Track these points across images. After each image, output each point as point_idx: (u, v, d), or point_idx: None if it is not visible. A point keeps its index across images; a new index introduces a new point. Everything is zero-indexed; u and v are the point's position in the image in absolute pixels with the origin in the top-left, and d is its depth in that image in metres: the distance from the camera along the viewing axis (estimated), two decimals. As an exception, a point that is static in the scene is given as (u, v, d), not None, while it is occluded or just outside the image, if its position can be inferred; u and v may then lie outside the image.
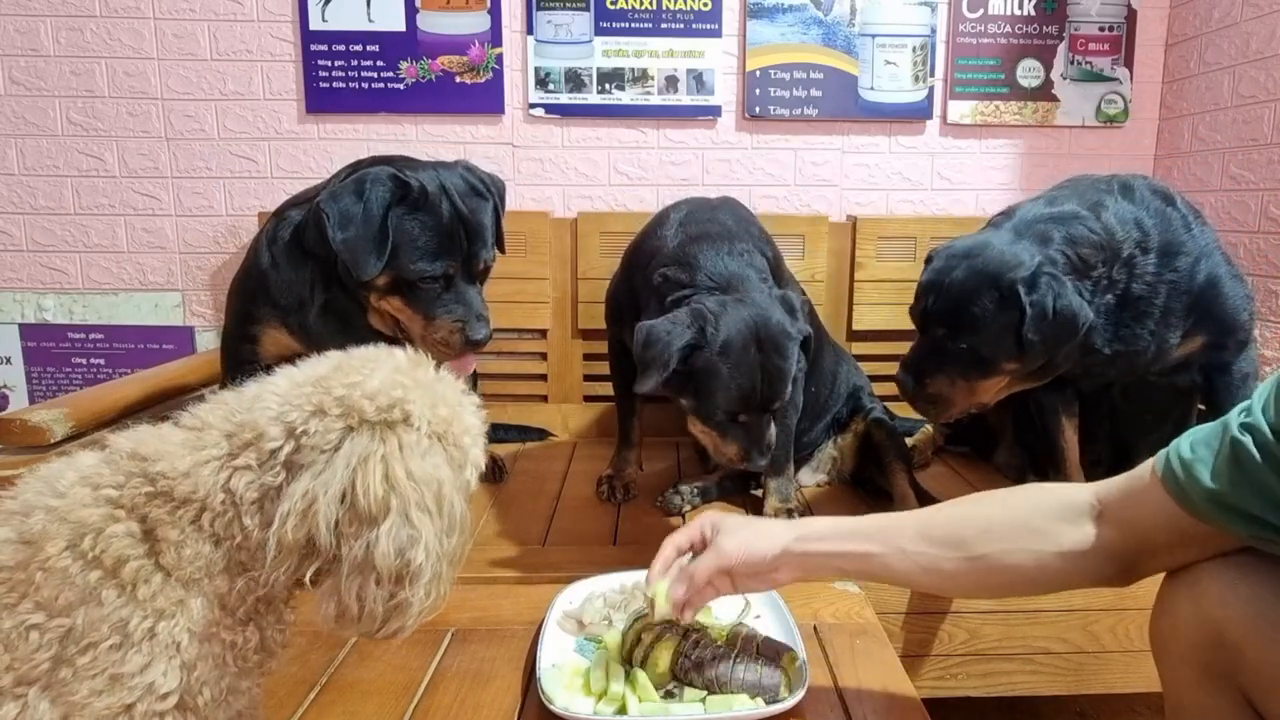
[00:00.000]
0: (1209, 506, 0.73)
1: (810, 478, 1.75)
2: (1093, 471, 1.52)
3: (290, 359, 0.76)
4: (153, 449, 0.67)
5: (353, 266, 1.25)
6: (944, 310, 1.33)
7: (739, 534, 0.92)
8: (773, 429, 1.34)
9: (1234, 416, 0.73)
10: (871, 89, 2.20)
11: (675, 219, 1.49)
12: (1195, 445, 0.75)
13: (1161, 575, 0.96)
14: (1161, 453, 0.78)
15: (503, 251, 1.43)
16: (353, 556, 0.65)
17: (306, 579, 0.66)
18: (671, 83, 2.18)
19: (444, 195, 1.29)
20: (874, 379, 1.92)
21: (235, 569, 0.68)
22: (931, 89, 2.22)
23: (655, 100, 2.18)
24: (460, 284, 1.31)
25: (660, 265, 1.40)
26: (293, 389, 0.68)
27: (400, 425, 0.67)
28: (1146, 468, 0.80)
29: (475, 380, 1.96)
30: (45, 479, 0.67)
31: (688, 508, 1.59)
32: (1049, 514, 0.84)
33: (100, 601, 0.63)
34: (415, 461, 0.67)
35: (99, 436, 1.34)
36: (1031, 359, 1.30)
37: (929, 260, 1.41)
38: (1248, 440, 0.69)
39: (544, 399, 2.18)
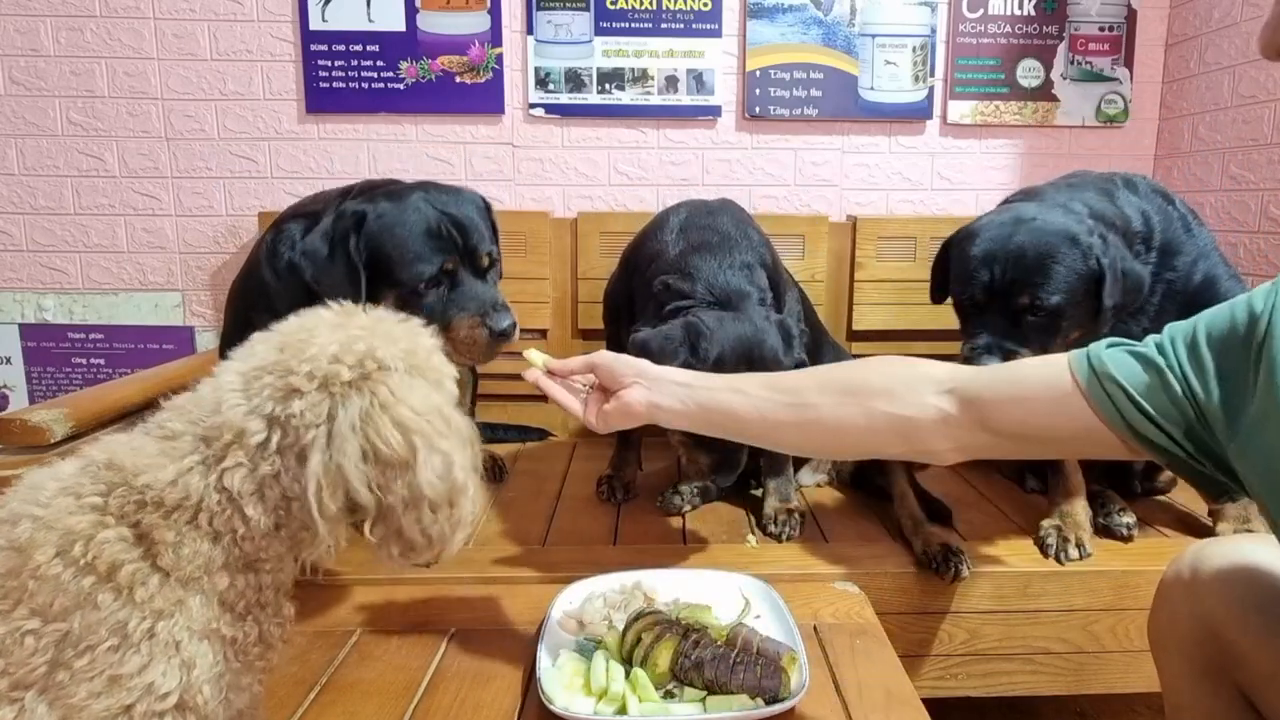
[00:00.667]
0: (1147, 428, 0.73)
1: (810, 478, 1.75)
2: (1090, 468, 1.51)
3: None
4: (132, 462, 0.67)
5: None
6: (1022, 277, 1.25)
7: (640, 394, 0.99)
8: (742, 455, 1.34)
9: (1154, 351, 0.74)
10: (871, 89, 2.20)
11: (675, 223, 1.49)
12: (1119, 366, 0.75)
13: (1158, 575, 0.96)
14: (1080, 366, 0.77)
15: (499, 272, 1.41)
16: (400, 499, 0.68)
17: (367, 533, 0.70)
18: (671, 83, 2.18)
19: (422, 201, 1.27)
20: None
21: (235, 564, 0.69)
22: (931, 89, 2.22)
23: (655, 100, 2.18)
24: (467, 280, 1.27)
25: (660, 272, 1.40)
26: (251, 382, 0.68)
27: (378, 373, 0.69)
28: (1052, 372, 0.79)
29: (475, 380, 1.96)
30: (30, 488, 0.68)
31: (688, 507, 1.59)
32: (899, 377, 0.86)
33: (96, 605, 0.63)
34: (411, 397, 0.70)
35: (99, 437, 1.34)
36: (1099, 325, 1.25)
37: (966, 240, 1.34)
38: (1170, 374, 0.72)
39: (544, 399, 2.16)
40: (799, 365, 1.34)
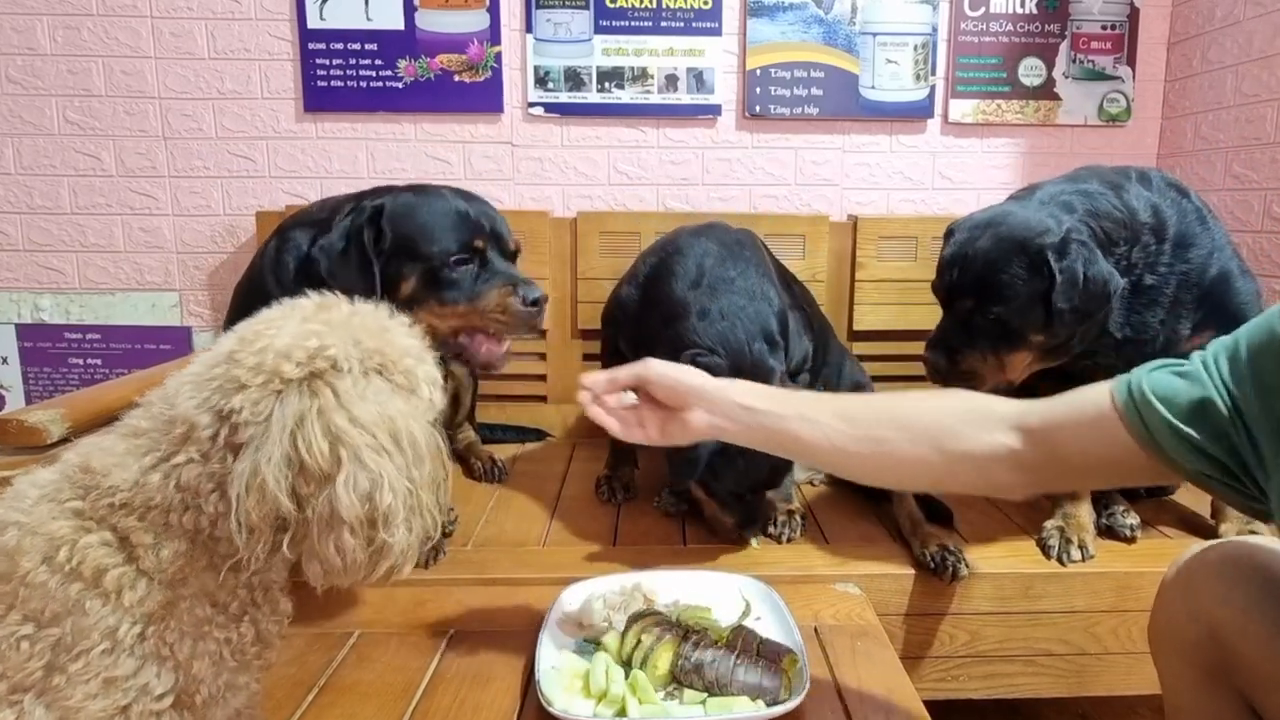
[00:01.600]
0: (1180, 450, 0.72)
1: (809, 476, 1.75)
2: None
3: None
4: (100, 463, 0.66)
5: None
6: (971, 281, 1.30)
7: (670, 364, 0.96)
8: (765, 505, 1.43)
9: (1199, 368, 0.72)
10: (872, 88, 2.20)
11: (696, 269, 1.46)
12: (1159, 387, 0.74)
13: (1160, 576, 0.96)
14: (1120, 389, 0.76)
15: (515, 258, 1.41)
16: (319, 515, 0.63)
17: (284, 548, 0.64)
18: (671, 81, 2.17)
19: (437, 192, 1.30)
20: (874, 379, 1.91)
21: (219, 562, 0.68)
22: (933, 88, 2.21)
23: (655, 99, 2.17)
24: (494, 258, 1.28)
25: (684, 334, 1.39)
26: (205, 372, 0.66)
27: (328, 373, 0.65)
28: (1095, 398, 0.78)
29: (476, 380, 1.96)
30: (14, 495, 0.67)
31: (685, 506, 1.58)
32: (966, 417, 0.84)
33: (85, 612, 0.63)
34: (357, 405, 0.65)
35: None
36: (1059, 329, 1.27)
37: (949, 235, 1.39)
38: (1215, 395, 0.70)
39: (543, 399, 2.17)
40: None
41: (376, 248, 1.24)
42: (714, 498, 1.41)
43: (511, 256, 1.33)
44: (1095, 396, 0.78)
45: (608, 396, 0.98)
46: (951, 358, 1.35)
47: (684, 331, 1.39)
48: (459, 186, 1.37)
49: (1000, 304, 1.29)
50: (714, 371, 1.31)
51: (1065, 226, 1.26)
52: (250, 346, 0.65)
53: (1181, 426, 0.71)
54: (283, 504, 0.62)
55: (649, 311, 1.51)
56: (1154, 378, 0.75)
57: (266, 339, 0.65)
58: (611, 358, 1.68)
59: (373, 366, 0.68)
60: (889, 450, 0.86)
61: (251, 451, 0.62)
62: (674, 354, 1.38)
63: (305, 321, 0.67)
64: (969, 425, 0.83)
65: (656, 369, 0.95)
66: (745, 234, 1.63)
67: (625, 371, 0.97)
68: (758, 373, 1.35)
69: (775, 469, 1.36)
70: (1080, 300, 1.25)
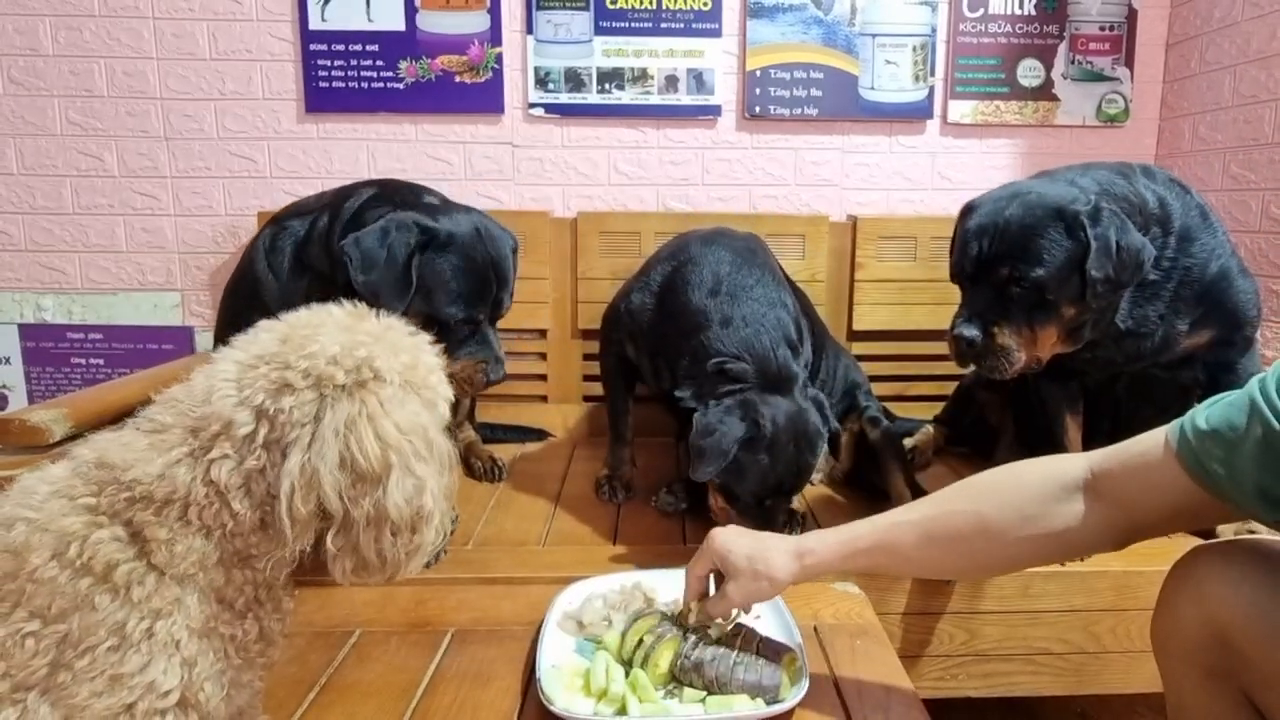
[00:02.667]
0: (1240, 493, 0.73)
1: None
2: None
3: None
4: (120, 457, 0.66)
5: (373, 306, 1.25)
6: (1006, 249, 1.25)
7: (743, 584, 0.96)
8: (783, 513, 1.41)
9: (1258, 398, 0.72)
10: (872, 89, 2.20)
11: (712, 277, 1.47)
12: (1213, 423, 0.74)
13: (1163, 576, 0.96)
14: (1174, 430, 0.77)
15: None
16: (365, 514, 0.67)
17: (329, 542, 0.68)
18: (671, 82, 2.18)
19: (479, 239, 1.33)
20: (874, 379, 1.91)
21: (230, 560, 0.68)
22: (932, 89, 2.21)
23: (655, 100, 2.18)
24: (484, 329, 1.36)
25: (708, 344, 1.40)
26: (245, 372, 0.68)
27: (372, 382, 0.68)
28: (1153, 443, 0.79)
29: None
30: (23, 491, 0.68)
31: (683, 505, 1.59)
32: (1042, 497, 0.85)
33: (94, 607, 0.63)
34: (398, 413, 0.68)
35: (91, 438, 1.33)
36: (1092, 300, 1.25)
37: (968, 211, 1.35)
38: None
39: (543, 399, 2.17)
40: (833, 434, 1.44)
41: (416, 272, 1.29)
42: (732, 502, 1.36)
43: (498, 319, 1.41)
44: (1153, 442, 0.79)
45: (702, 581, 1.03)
46: (986, 331, 1.27)
47: (708, 341, 1.40)
48: (492, 215, 1.42)
49: (1039, 268, 1.23)
50: (741, 377, 1.36)
51: (1093, 195, 1.25)
52: (299, 350, 0.68)
53: (1237, 457, 0.71)
54: (332, 500, 0.66)
55: (667, 322, 1.50)
56: (1205, 410, 0.76)
57: (316, 344, 0.68)
58: (617, 364, 1.68)
59: (408, 379, 0.71)
60: (988, 558, 0.89)
61: (298, 451, 0.65)
62: (698, 363, 1.40)
63: (348, 331, 0.71)
64: (1046, 504, 0.85)
65: (738, 603, 0.98)
66: (753, 239, 1.63)
67: (716, 609, 1.00)
68: (783, 377, 1.37)
69: (801, 472, 1.36)
70: (1114, 269, 1.22)
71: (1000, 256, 1.27)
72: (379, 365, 0.69)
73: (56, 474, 0.68)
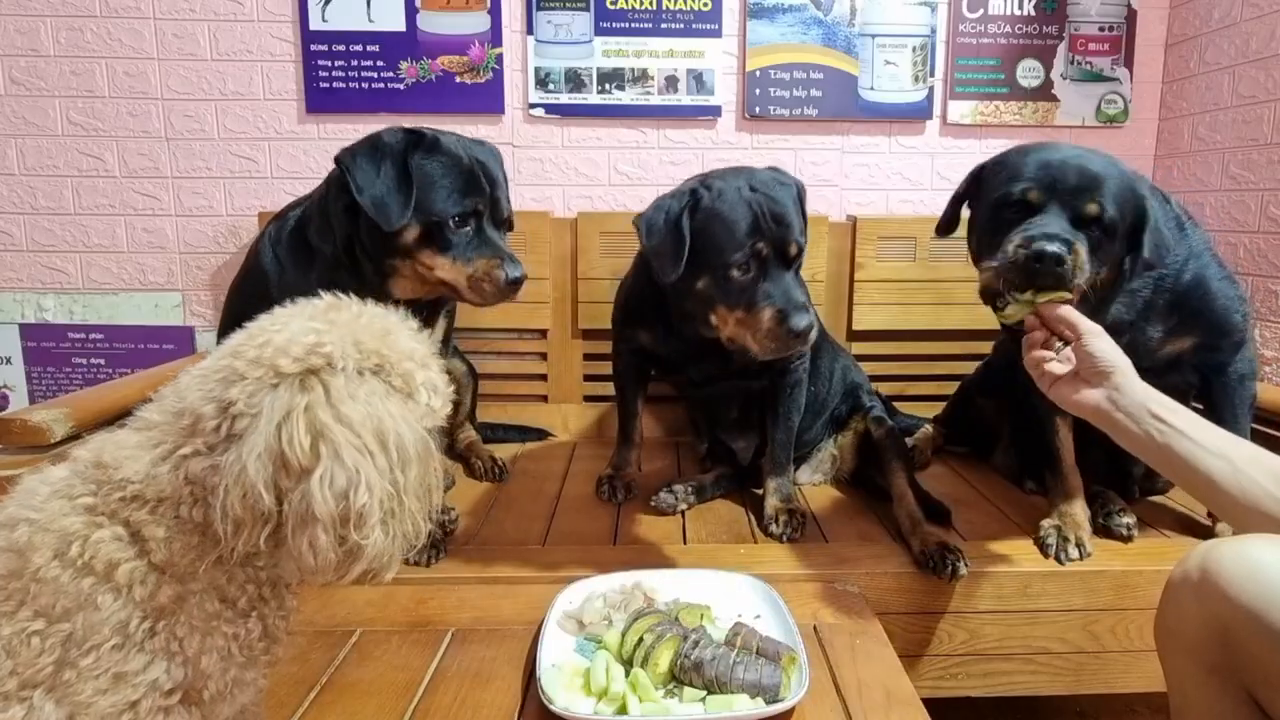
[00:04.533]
0: None
1: (809, 476, 1.75)
2: (1089, 470, 1.52)
3: None
4: (111, 456, 0.67)
5: (381, 220, 1.26)
6: (1091, 185, 1.20)
7: (1104, 404, 0.97)
8: (801, 290, 1.32)
9: None
10: (871, 89, 2.20)
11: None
12: None
13: (1161, 576, 0.96)
14: None
15: (511, 227, 1.44)
16: (295, 510, 0.63)
17: (261, 541, 0.64)
18: (671, 83, 2.18)
19: (460, 144, 1.33)
20: (874, 379, 1.92)
21: (230, 558, 0.68)
22: (931, 89, 2.22)
23: (655, 100, 2.18)
24: (487, 229, 1.33)
25: None
26: (213, 365, 0.67)
27: (323, 370, 0.65)
28: None
29: (475, 381, 1.97)
30: (25, 493, 0.68)
31: (683, 506, 1.59)
32: None
33: (97, 606, 0.63)
34: (346, 404, 0.65)
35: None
36: (1126, 269, 1.25)
37: (986, 168, 1.34)
38: None
39: (544, 399, 2.18)
40: (798, 185, 1.39)
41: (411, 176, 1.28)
42: (737, 301, 1.32)
43: (502, 225, 1.38)
44: None
45: (1041, 336, 1.06)
46: (1071, 247, 1.16)
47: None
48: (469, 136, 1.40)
49: (1117, 214, 1.20)
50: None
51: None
52: (254, 340, 0.67)
53: None
54: (263, 497, 0.62)
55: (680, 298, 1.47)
56: None
57: (270, 334, 0.67)
58: (629, 360, 1.68)
59: (369, 367, 0.68)
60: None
61: (240, 443, 0.63)
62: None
63: (310, 320, 0.69)
64: None
65: (1095, 340, 1.00)
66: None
67: (1083, 322, 1.02)
68: (736, 171, 1.39)
69: (773, 215, 1.30)
70: (1152, 252, 1.22)
71: (1085, 189, 1.20)
72: (329, 351, 0.66)
73: (57, 475, 0.69)
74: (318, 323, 0.68)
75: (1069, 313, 1.06)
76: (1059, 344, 1.08)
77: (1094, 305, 1.28)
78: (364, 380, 0.67)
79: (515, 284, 1.31)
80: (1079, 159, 1.23)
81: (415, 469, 0.68)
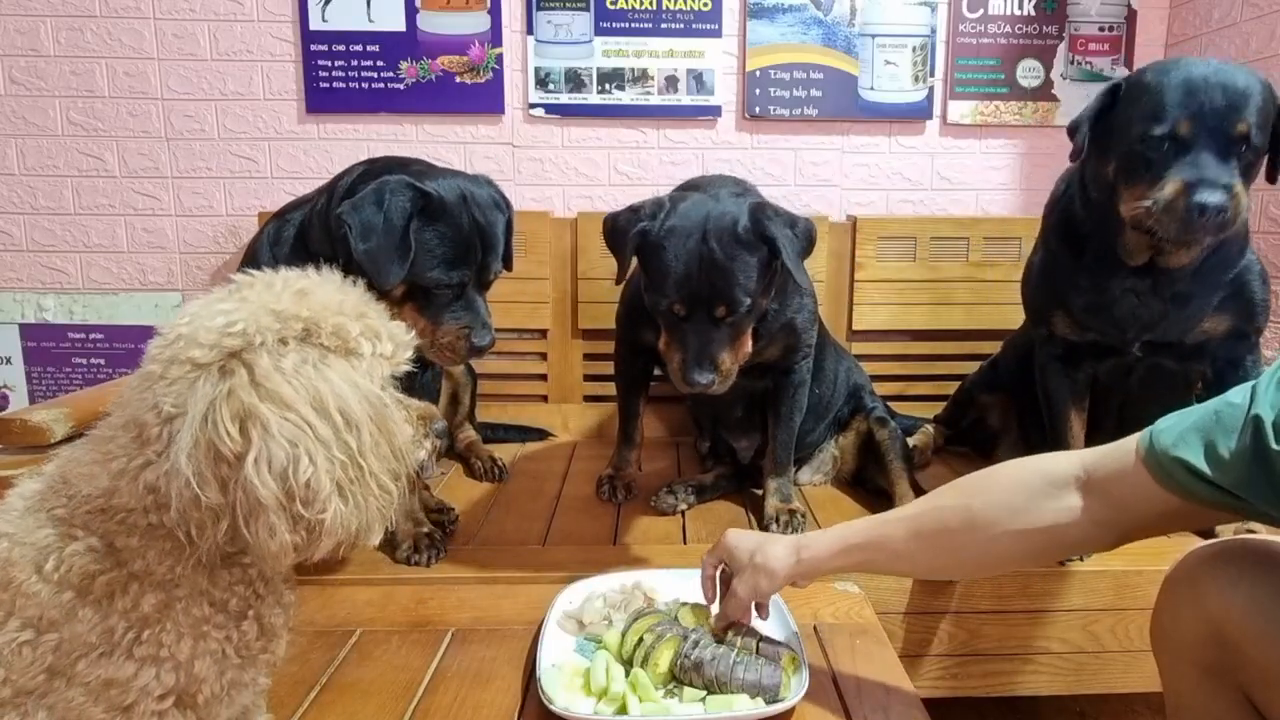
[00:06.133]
0: (1207, 493, 0.74)
1: (810, 477, 1.75)
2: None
3: None
4: (73, 473, 0.66)
5: (374, 276, 1.24)
6: (1240, 104, 1.15)
7: (746, 579, 1.00)
8: (725, 351, 1.29)
9: (1238, 405, 0.72)
10: (871, 89, 2.20)
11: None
12: (1184, 433, 0.75)
13: (1161, 576, 0.96)
14: (1143, 438, 0.78)
15: (509, 269, 1.43)
16: (239, 500, 0.60)
17: (217, 536, 0.62)
18: (671, 83, 2.18)
19: (464, 205, 1.31)
20: (874, 379, 1.92)
21: (212, 560, 0.67)
22: (931, 89, 2.22)
23: (655, 100, 2.18)
24: (470, 293, 1.33)
25: None
26: (141, 371, 0.65)
27: (244, 351, 0.62)
28: (1129, 447, 0.80)
29: (475, 380, 1.97)
30: (4, 507, 0.68)
31: (683, 506, 1.59)
32: (1031, 492, 0.85)
33: (79, 619, 0.63)
34: (271, 380, 0.61)
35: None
36: (1261, 178, 1.22)
37: (1162, 71, 1.21)
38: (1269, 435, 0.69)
39: (544, 399, 2.18)
40: (767, 238, 1.29)
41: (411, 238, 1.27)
42: (664, 325, 1.33)
43: (487, 285, 1.38)
44: (1129, 447, 0.80)
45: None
46: (1231, 193, 1.13)
47: None
48: (479, 177, 1.39)
49: (1264, 130, 1.16)
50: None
51: None
52: (165, 339, 0.64)
53: (1210, 473, 0.72)
54: (206, 493, 0.59)
55: None
56: (1178, 428, 0.76)
57: (178, 328, 0.64)
58: (631, 360, 1.67)
59: (293, 334, 0.64)
60: (978, 552, 0.89)
61: (174, 444, 0.60)
62: None
63: (218, 303, 0.65)
64: (1034, 498, 0.84)
65: (745, 599, 1.00)
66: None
67: (728, 610, 1.03)
68: (706, 186, 1.40)
69: (707, 270, 1.26)
70: None
71: (1236, 110, 1.14)
72: (241, 328, 0.62)
73: (32, 489, 0.68)
74: (226, 304, 0.65)
75: (732, 608, 1.03)
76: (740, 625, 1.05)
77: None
78: (290, 349, 0.63)
79: (480, 351, 1.33)
80: (1233, 76, 1.17)
81: (365, 430, 0.64)
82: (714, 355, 1.28)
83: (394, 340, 0.70)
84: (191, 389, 0.61)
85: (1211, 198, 1.11)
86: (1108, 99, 1.29)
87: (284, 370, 0.62)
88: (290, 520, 0.61)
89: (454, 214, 1.29)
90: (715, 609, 1.12)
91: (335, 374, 0.64)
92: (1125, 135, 1.25)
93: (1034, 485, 0.85)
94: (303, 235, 1.37)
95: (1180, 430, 0.76)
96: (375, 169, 1.34)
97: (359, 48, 2.12)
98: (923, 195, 2.28)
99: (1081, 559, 1.34)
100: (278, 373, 0.62)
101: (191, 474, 0.59)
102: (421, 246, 1.26)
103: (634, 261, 1.39)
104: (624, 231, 1.35)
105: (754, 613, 1.11)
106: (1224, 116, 1.15)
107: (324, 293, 0.67)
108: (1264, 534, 1.28)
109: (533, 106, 2.18)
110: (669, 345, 1.34)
